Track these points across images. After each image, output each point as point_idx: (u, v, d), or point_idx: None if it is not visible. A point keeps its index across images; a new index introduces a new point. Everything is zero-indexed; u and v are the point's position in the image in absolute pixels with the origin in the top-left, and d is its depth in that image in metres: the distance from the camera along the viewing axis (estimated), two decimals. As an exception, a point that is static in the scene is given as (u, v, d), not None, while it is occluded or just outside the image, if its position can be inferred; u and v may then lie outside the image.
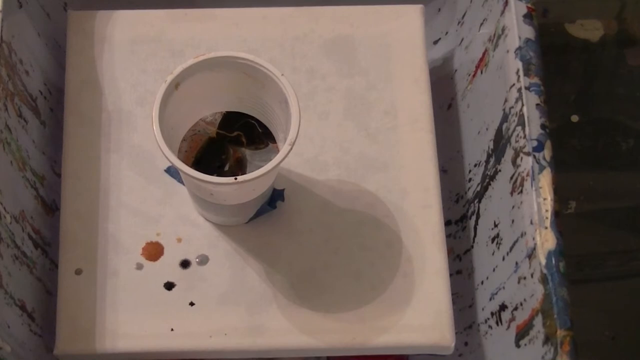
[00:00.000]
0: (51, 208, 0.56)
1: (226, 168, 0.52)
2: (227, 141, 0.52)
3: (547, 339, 0.45)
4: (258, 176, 0.45)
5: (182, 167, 0.45)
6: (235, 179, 0.45)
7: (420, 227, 0.54)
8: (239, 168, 0.52)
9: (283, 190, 0.54)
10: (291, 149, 0.45)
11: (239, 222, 0.53)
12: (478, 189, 0.57)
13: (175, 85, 0.46)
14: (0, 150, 0.50)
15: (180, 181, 0.54)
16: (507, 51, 0.52)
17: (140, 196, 0.54)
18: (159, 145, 0.45)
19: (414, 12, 0.59)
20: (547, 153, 0.49)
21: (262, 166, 0.45)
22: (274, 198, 0.53)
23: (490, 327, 0.54)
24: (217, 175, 0.46)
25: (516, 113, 0.51)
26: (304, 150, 0.55)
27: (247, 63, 0.47)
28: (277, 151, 0.48)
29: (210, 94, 0.49)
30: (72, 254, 0.53)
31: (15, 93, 0.53)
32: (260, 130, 0.52)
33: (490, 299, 0.53)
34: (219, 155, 0.52)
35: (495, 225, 0.53)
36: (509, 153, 0.51)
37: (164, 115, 0.45)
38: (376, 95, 0.56)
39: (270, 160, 0.45)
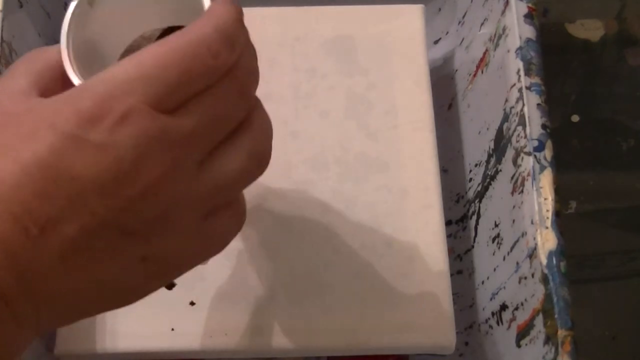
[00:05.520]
0: (51, 208, 0.56)
1: None
2: None
3: (548, 339, 0.45)
4: None
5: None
6: None
7: (421, 227, 0.54)
8: None
9: None
10: None
11: None
12: (479, 188, 0.57)
13: (87, 1, 0.40)
14: (0, 150, 0.50)
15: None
16: (508, 51, 0.52)
17: (141, 196, 0.54)
18: (67, 73, 0.38)
19: (415, 12, 0.59)
20: (548, 153, 0.49)
21: None
22: None
23: (491, 327, 0.54)
24: None
25: (517, 113, 0.51)
26: (304, 149, 0.55)
27: None
28: None
29: (140, 9, 0.43)
30: (72, 254, 0.53)
31: (16, 93, 0.52)
32: None
33: (491, 299, 0.53)
34: None
35: (496, 225, 0.53)
36: (510, 153, 0.51)
37: (81, 36, 0.39)
38: (376, 95, 0.56)
39: None
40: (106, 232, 0.33)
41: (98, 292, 0.34)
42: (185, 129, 0.34)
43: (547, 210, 0.47)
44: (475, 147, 0.58)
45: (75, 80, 0.37)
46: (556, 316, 0.45)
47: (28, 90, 0.35)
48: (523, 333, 0.49)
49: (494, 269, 0.53)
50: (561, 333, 0.45)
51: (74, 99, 0.33)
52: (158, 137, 0.33)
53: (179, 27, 0.43)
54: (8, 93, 0.35)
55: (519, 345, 0.49)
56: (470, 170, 0.58)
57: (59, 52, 0.37)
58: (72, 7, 0.38)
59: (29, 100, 0.35)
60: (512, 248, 0.50)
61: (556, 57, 0.71)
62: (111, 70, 0.33)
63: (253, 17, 0.58)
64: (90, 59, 0.38)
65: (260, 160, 0.37)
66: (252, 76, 0.37)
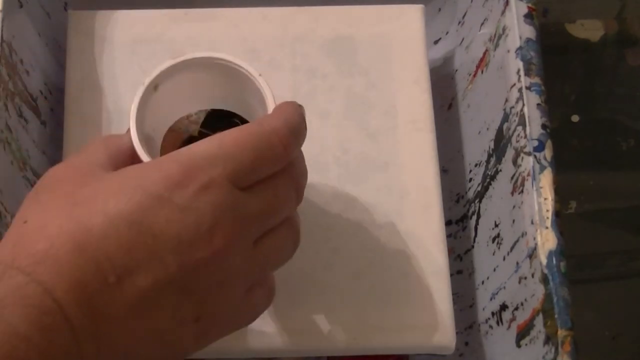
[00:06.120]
0: (51, 208, 0.56)
1: None
2: None
3: (548, 339, 0.45)
4: None
5: None
6: None
7: (421, 227, 0.54)
8: None
9: None
10: None
11: None
12: (479, 188, 0.57)
13: (154, 87, 0.45)
14: (0, 150, 0.50)
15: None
16: (508, 51, 0.52)
17: (141, 196, 0.54)
18: (137, 152, 0.42)
19: (415, 12, 0.59)
20: (548, 153, 0.49)
21: None
22: None
23: (491, 327, 0.54)
24: None
25: (517, 113, 0.51)
26: (304, 149, 0.55)
27: (224, 63, 0.45)
28: None
29: (192, 93, 0.48)
30: (72, 254, 0.53)
31: (16, 93, 0.53)
32: None
33: (491, 299, 0.53)
34: None
35: (496, 225, 0.53)
36: (510, 153, 0.51)
37: (144, 118, 0.44)
38: (376, 95, 0.56)
39: None
40: (172, 288, 0.35)
41: (152, 344, 0.36)
42: (253, 207, 0.38)
43: (547, 210, 0.47)
44: (475, 147, 0.58)
45: (146, 159, 0.41)
46: (556, 316, 0.45)
47: (107, 165, 0.40)
48: (523, 333, 0.49)
49: (494, 269, 0.53)
50: (561, 333, 0.45)
51: (161, 166, 0.37)
52: (232, 209, 0.36)
53: (220, 111, 0.49)
54: (89, 162, 0.39)
55: (519, 345, 0.49)
56: (470, 170, 0.58)
57: (130, 138, 0.42)
58: (140, 91, 0.43)
59: (107, 171, 0.39)
60: (512, 248, 0.50)
61: (556, 57, 0.71)
62: (195, 146, 0.37)
63: (253, 17, 0.58)
64: (145, 135, 0.43)
65: (295, 245, 0.43)
66: (304, 176, 0.43)
